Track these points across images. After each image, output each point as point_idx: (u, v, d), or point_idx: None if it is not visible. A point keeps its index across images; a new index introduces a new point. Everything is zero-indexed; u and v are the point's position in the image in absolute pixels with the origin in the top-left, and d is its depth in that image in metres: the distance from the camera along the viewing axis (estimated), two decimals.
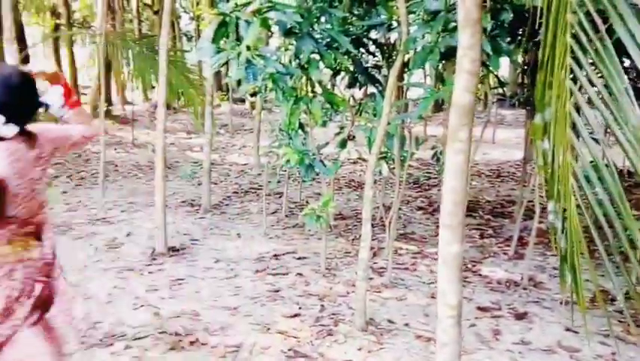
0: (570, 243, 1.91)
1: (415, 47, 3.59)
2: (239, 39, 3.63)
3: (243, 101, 18.37)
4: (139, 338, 3.43)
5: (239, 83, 3.87)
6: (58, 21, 15.89)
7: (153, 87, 17.21)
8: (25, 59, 10.56)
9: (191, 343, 3.40)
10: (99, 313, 3.78)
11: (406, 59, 3.99)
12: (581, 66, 1.76)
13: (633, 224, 1.75)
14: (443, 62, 4.33)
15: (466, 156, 1.82)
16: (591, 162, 1.89)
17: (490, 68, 3.81)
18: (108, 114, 12.25)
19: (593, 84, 1.86)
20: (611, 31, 1.76)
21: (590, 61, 1.82)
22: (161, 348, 3.33)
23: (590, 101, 1.78)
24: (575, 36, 1.80)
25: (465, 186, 1.84)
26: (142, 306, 3.92)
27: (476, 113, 7.17)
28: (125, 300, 4.02)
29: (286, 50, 5.15)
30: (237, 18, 3.02)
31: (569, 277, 1.92)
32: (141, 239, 5.40)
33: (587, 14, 1.81)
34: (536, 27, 4.87)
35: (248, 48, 3.02)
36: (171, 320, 3.70)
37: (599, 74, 1.82)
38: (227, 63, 3.17)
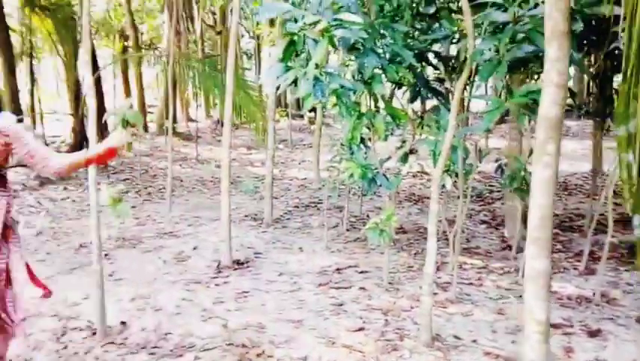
0: None
1: (482, 60, 3.55)
2: (297, 55, 3.70)
3: (301, 116, 18.64)
4: (208, 350, 3.51)
5: (298, 100, 3.95)
6: (126, 43, 16.64)
7: (215, 105, 17.70)
8: (98, 81, 11.12)
9: (258, 355, 3.45)
10: (169, 324, 3.90)
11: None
12: None
13: None
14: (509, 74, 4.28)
15: (553, 170, 1.79)
16: None
17: None
18: (173, 131, 12.68)
19: None
20: None
21: None
22: (229, 360, 3.39)
23: None
24: None
25: (552, 200, 1.81)
26: (209, 318, 4.01)
27: None
28: (193, 312, 4.12)
29: (347, 65, 5.20)
30: (305, 37, 3.09)
31: None
32: (207, 252, 5.54)
33: None
34: (607, 36, 4.73)
35: (316, 66, 3.08)
36: (238, 332, 3.77)
37: None
38: (294, 81, 3.24)
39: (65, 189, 8.50)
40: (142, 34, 17.76)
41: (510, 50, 3.52)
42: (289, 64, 3.21)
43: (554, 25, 1.79)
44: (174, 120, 14.65)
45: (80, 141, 10.99)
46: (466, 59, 4.59)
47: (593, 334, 3.70)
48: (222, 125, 16.44)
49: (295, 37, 3.17)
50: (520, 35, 3.51)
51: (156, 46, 18.12)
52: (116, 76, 16.77)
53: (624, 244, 5.55)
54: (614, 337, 3.66)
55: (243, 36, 19.45)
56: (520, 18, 3.44)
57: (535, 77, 6.98)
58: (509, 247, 5.52)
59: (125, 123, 7.68)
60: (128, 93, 15.96)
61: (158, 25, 18.58)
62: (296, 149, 13.59)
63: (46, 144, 10.38)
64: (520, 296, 4.30)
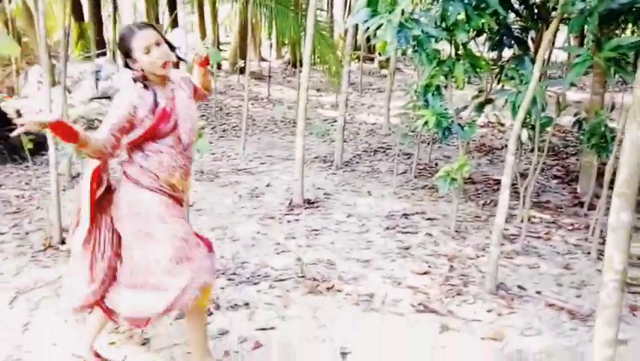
0: None
1: (573, 10, 3.44)
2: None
3: (371, 60, 18.40)
4: (281, 280, 3.76)
5: (371, 44, 3.92)
6: None
7: (285, 44, 17.69)
8: (175, 19, 11.35)
9: (328, 289, 3.66)
10: (245, 254, 4.17)
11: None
12: None
13: None
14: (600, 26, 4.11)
15: None
16: None
17: None
18: (245, 70, 12.89)
19: None
20: None
21: None
22: (301, 291, 3.62)
23: None
24: None
25: None
26: (282, 251, 4.25)
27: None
28: (267, 244, 4.38)
29: (428, 11, 5.12)
30: None
31: None
32: (279, 190, 5.77)
33: None
34: None
35: (402, 12, 3.09)
36: (309, 266, 3.99)
37: None
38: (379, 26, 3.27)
39: None
40: None
41: (602, 2, 3.39)
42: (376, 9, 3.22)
43: None
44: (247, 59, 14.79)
45: None
46: (554, 8, 4.45)
47: None
48: (293, 65, 16.37)
49: None
50: None
51: None
52: (193, 12, 16.99)
53: None
54: None
55: None
56: None
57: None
58: (581, 204, 5.45)
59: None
60: (203, 31, 16.20)
61: None
62: (365, 93, 13.52)
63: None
64: (589, 253, 4.31)
